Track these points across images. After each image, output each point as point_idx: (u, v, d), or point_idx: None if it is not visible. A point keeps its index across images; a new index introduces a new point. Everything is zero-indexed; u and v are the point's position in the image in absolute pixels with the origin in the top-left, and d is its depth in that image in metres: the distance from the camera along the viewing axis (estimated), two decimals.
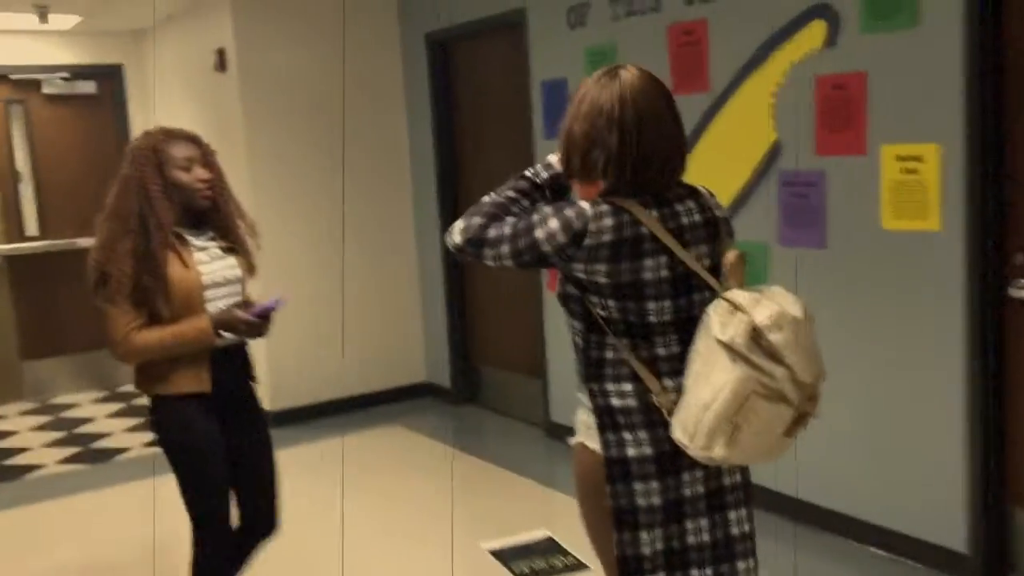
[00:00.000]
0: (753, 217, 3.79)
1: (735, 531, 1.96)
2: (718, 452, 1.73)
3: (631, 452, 1.85)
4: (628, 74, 1.87)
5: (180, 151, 2.59)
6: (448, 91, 5.70)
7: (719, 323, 1.73)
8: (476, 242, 1.88)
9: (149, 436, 5.56)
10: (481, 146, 5.54)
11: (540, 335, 5.10)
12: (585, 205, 1.84)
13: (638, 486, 1.86)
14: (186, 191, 2.58)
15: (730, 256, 1.84)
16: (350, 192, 5.79)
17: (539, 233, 1.84)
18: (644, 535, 1.87)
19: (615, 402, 1.87)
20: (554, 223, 1.83)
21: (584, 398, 1.95)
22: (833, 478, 3.64)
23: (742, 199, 3.82)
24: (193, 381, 2.57)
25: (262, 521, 2.78)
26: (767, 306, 1.73)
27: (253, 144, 5.44)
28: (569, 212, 1.84)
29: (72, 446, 5.50)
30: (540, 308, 5.07)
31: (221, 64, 5.52)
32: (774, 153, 3.68)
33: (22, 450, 5.47)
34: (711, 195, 2.00)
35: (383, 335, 6.00)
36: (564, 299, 1.95)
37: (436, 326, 5.98)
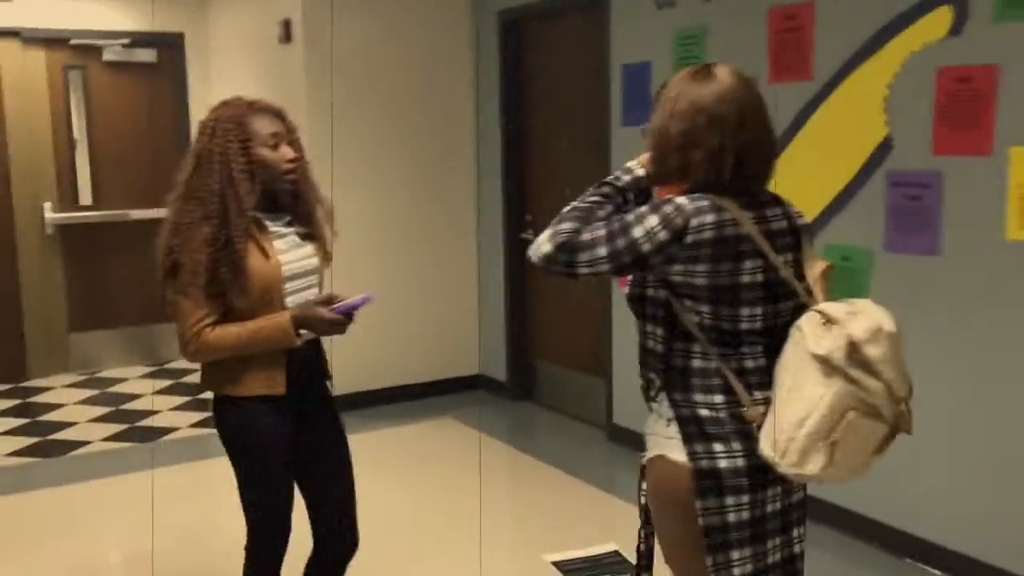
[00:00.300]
0: (856, 219, 3.50)
1: (796, 549, 1.91)
2: (811, 470, 1.67)
3: (723, 464, 1.77)
4: (723, 73, 1.82)
5: (266, 126, 2.33)
6: (519, 73, 5.45)
7: (813, 336, 1.68)
8: (568, 247, 1.76)
9: (198, 416, 5.45)
10: (552, 132, 5.29)
11: (607, 333, 4.85)
12: (682, 200, 1.76)
13: (730, 500, 1.78)
14: (271, 171, 2.33)
15: (819, 266, 1.82)
16: (411, 176, 5.58)
17: (637, 231, 1.73)
18: (735, 554, 1.80)
19: (704, 412, 1.79)
20: (653, 219, 1.73)
21: (663, 407, 1.85)
22: (939, 507, 3.35)
23: (843, 199, 3.54)
24: (266, 383, 2.34)
25: (338, 536, 2.54)
26: (863, 319, 1.69)
27: (316, 120, 5.24)
28: (668, 208, 1.74)
29: (119, 423, 5.36)
30: (608, 304, 4.82)
31: (286, 36, 5.33)
32: (883, 150, 3.38)
33: (68, 424, 5.34)
34: (790, 204, 1.94)
35: (437, 323, 5.79)
36: (640, 302, 1.87)
37: (493, 317, 5.75)
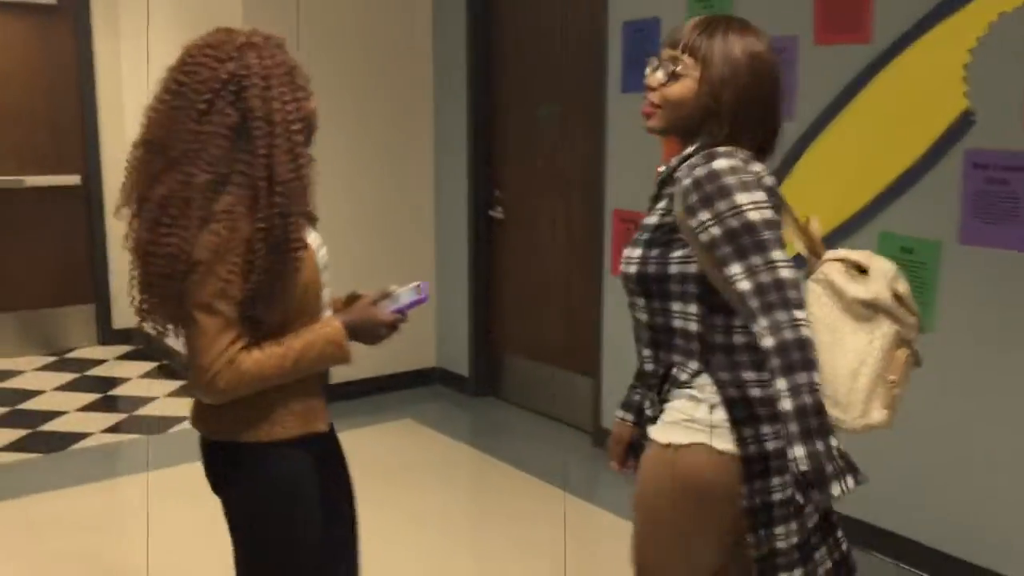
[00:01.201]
0: (922, 206, 3.04)
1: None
2: (878, 417, 1.63)
3: (771, 446, 1.68)
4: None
5: (304, 73, 1.76)
6: (489, 26, 4.82)
7: (850, 283, 1.66)
8: (783, 304, 1.55)
9: (111, 418, 4.69)
10: (530, 97, 4.67)
11: (595, 325, 4.31)
12: (723, 163, 1.62)
13: (776, 480, 1.69)
14: (314, 133, 1.78)
15: (816, 219, 1.80)
16: (358, 142, 4.90)
17: (752, 216, 1.58)
18: (780, 529, 1.72)
19: (755, 392, 1.68)
20: (740, 196, 1.59)
21: (705, 392, 1.71)
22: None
23: (906, 181, 3.07)
24: (305, 418, 1.78)
25: None
26: (880, 259, 1.70)
27: None
28: (729, 179, 1.60)
29: (18, 427, 4.55)
30: (598, 294, 4.28)
31: None
32: (961, 126, 2.92)
33: None
34: None
35: None
36: (662, 281, 1.71)
37: (454, 304, 5.14)
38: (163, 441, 4.40)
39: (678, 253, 1.68)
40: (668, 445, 1.72)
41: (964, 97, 2.90)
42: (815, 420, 1.52)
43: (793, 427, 1.52)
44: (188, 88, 1.67)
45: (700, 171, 1.62)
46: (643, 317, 1.76)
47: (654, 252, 1.71)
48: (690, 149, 1.73)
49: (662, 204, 1.74)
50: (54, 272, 5.86)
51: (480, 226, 4.96)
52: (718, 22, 1.73)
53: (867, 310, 1.64)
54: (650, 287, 1.72)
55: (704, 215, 1.60)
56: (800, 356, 1.52)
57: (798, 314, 1.53)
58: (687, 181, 1.64)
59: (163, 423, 4.62)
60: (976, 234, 2.91)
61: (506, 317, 5.00)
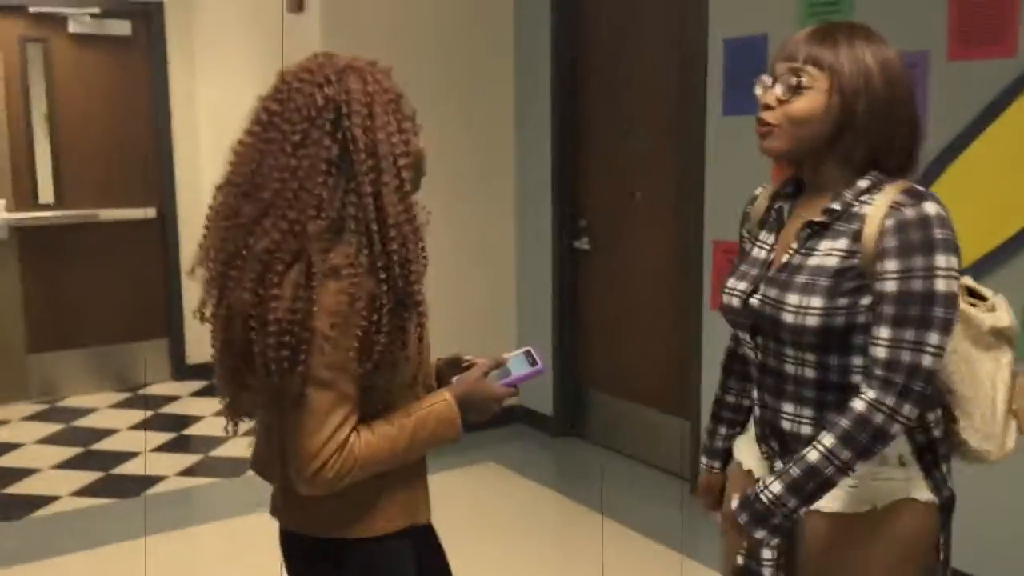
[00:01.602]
0: None
1: None
2: (1011, 445, 1.63)
3: (950, 484, 1.64)
4: None
5: (409, 102, 1.56)
6: (575, 51, 4.59)
7: (980, 313, 1.60)
8: (902, 393, 1.45)
9: (185, 459, 4.54)
10: (619, 119, 4.43)
11: (694, 365, 4.02)
12: (935, 208, 1.47)
13: (953, 521, 1.66)
14: (420, 174, 1.58)
15: None
16: (437, 171, 4.69)
17: (941, 285, 1.44)
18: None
19: (937, 432, 1.61)
20: (941, 259, 1.45)
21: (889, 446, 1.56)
22: None
23: None
24: (408, 508, 1.57)
25: None
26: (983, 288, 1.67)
27: None
28: (938, 232, 1.45)
29: (91, 469, 4.42)
30: (697, 330, 4.00)
31: (297, 3, 4.43)
32: None
33: (30, 472, 4.39)
34: None
35: (467, 347, 4.90)
36: (845, 334, 1.52)
37: (537, 339, 4.89)
38: (237, 486, 4.23)
39: (867, 301, 1.51)
40: (854, 511, 1.57)
41: None
42: (812, 486, 1.46)
43: (795, 471, 1.47)
44: (280, 118, 1.46)
45: (910, 212, 1.46)
46: (808, 374, 1.57)
47: (841, 302, 1.52)
48: (864, 183, 1.54)
49: (839, 244, 1.52)
50: (128, 306, 5.78)
51: (564, 257, 4.72)
52: (839, 28, 1.57)
53: (994, 339, 1.60)
54: (832, 341, 1.53)
55: (892, 264, 1.45)
56: (867, 441, 1.45)
57: (907, 409, 1.44)
58: (889, 221, 1.46)
59: (237, 466, 4.45)
60: None
61: (592, 353, 4.75)
